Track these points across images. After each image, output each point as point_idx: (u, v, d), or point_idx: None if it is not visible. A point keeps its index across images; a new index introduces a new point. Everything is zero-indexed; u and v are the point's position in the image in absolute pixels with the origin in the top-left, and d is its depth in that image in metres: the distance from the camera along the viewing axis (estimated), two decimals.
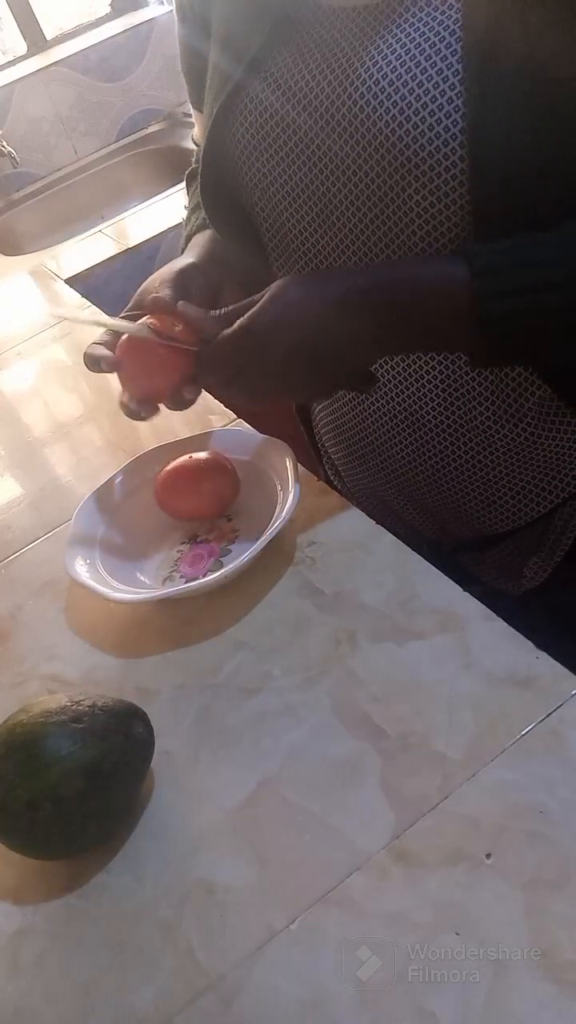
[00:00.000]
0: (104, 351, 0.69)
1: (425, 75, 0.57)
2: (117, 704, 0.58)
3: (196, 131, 0.86)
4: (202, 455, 0.78)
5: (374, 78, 0.59)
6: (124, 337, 0.68)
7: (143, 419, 0.70)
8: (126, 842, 0.58)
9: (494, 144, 0.55)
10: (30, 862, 0.57)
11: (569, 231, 0.56)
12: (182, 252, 0.82)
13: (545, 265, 0.55)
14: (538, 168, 0.55)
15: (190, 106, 0.82)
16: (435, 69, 0.57)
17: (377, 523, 0.78)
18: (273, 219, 0.69)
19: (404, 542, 0.70)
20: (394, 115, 0.58)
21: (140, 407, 0.69)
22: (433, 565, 0.67)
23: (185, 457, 0.77)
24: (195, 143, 0.87)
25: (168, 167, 1.91)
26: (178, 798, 0.59)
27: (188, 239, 0.84)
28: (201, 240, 0.81)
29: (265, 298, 0.61)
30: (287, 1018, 0.47)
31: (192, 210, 0.87)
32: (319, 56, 0.62)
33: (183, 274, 0.73)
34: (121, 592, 0.70)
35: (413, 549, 0.69)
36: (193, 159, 0.90)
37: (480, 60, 0.55)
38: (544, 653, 0.59)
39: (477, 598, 0.64)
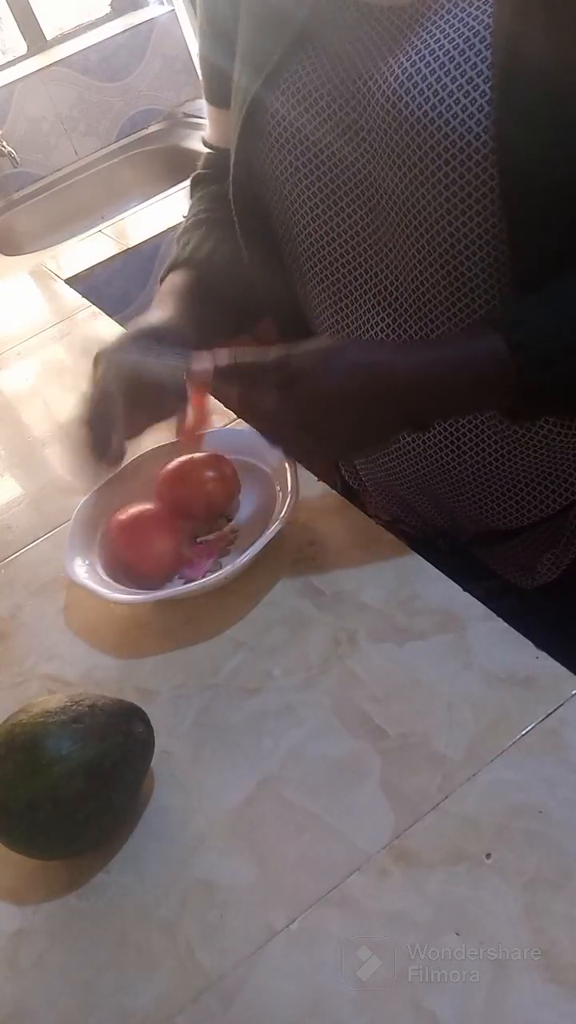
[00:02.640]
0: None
1: (454, 82, 0.56)
2: (117, 704, 0.58)
3: (208, 132, 0.84)
4: (201, 455, 0.78)
5: (394, 85, 0.58)
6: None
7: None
8: (126, 842, 0.58)
9: (521, 151, 0.55)
10: (30, 862, 0.57)
11: None
12: (161, 280, 0.82)
13: None
14: (565, 175, 0.55)
15: (204, 103, 0.81)
16: (461, 73, 0.56)
17: (392, 516, 0.78)
18: (301, 232, 0.69)
19: (419, 534, 0.70)
20: (423, 122, 0.58)
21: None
22: (447, 558, 0.67)
23: (185, 457, 0.77)
24: (205, 144, 0.86)
25: (168, 167, 1.91)
26: (178, 798, 0.59)
27: (172, 267, 0.82)
28: (177, 281, 0.79)
29: (314, 345, 0.60)
30: (287, 1018, 0.47)
31: (185, 229, 0.85)
32: (339, 66, 0.62)
33: (155, 333, 0.72)
34: (120, 593, 0.70)
35: (429, 541, 0.69)
36: (200, 163, 0.88)
37: (507, 66, 0.54)
38: (544, 653, 0.59)
39: (490, 592, 0.64)
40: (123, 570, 0.73)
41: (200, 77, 0.78)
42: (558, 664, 0.58)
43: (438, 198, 0.59)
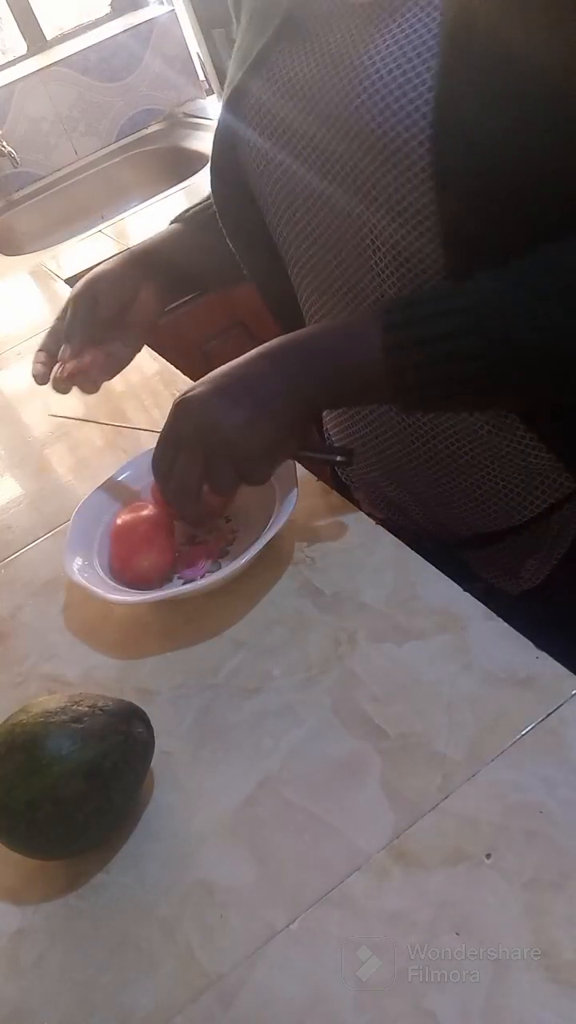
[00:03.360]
0: None
1: (409, 63, 0.57)
2: (117, 704, 0.58)
3: None
4: None
5: (362, 75, 0.59)
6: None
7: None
8: (126, 842, 0.58)
9: (459, 128, 0.55)
10: (30, 862, 0.57)
11: (478, 282, 0.57)
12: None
13: (454, 312, 0.57)
14: (504, 154, 0.54)
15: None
16: (419, 57, 0.56)
17: (381, 516, 0.78)
18: (284, 220, 0.70)
19: (407, 536, 0.70)
20: (371, 104, 0.58)
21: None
22: (435, 560, 0.67)
23: None
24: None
25: (168, 167, 1.91)
26: (178, 798, 0.59)
27: (175, 220, 0.87)
28: (174, 231, 0.86)
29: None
30: (287, 1018, 0.47)
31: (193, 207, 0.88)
32: (318, 55, 0.63)
33: (93, 286, 0.83)
34: (119, 593, 0.70)
35: (416, 543, 0.69)
36: None
37: (453, 45, 0.55)
38: (544, 653, 0.59)
39: (477, 596, 0.64)
40: (120, 575, 0.73)
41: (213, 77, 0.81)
42: (558, 664, 0.58)
43: (386, 176, 0.60)
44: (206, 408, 0.62)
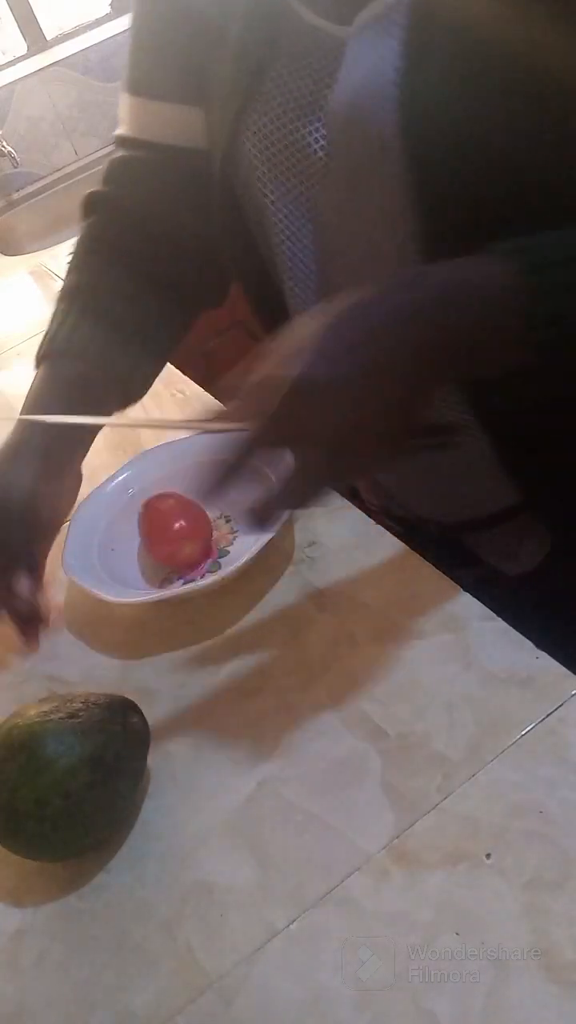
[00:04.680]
0: None
1: (373, 48, 0.56)
2: (109, 698, 0.59)
3: (131, 125, 0.74)
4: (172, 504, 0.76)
5: (345, 84, 0.58)
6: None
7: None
8: (126, 842, 0.58)
9: (425, 119, 0.54)
10: (30, 862, 0.57)
11: None
12: (36, 363, 0.76)
13: None
14: (469, 133, 0.53)
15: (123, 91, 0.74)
16: (378, 70, 0.55)
17: (378, 503, 0.77)
18: (283, 232, 0.69)
19: (404, 523, 0.70)
20: (349, 94, 0.57)
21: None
22: (434, 543, 0.67)
23: (159, 502, 0.76)
24: (124, 141, 0.76)
25: None
26: (178, 798, 0.59)
27: (44, 355, 0.75)
28: (50, 388, 0.74)
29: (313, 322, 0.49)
30: (287, 1018, 0.47)
31: (63, 296, 0.77)
32: (315, 60, 0.62)
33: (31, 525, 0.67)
34: (119, 593, 0.70)
35: (415, 528, 0.69)
36: (102, 175, 0.79)
37: (418, 26, 0.54)
38: (544, 653, 0.59)
39: (477, 579, 0.63)
40: (159, 553, 0.74)
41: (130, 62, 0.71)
42: (558, 664, 0.58)
43: (361, 185, 0.59)
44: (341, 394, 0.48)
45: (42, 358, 0.76)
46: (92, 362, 0.74)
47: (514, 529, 0.77)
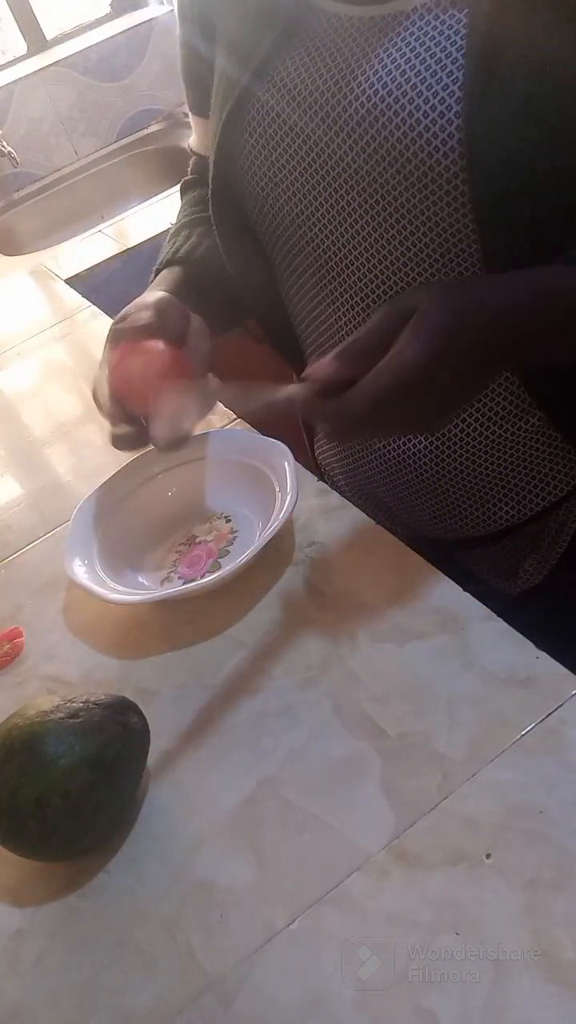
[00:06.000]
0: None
1: (424, 83, 0.57)
2: (109, 698, 0.59)
3: (193, 139, 0.85)
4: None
5: (377, 86, 0.59)
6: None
7: (127, 446, 0.67)
8: (126, 842, 0.58)
9: (492, 148, 0.55)
10: (30, 862, 0.57)
11: None
12: (154, 276, 0.81)
13: None
14: (537, 171, 0.55)
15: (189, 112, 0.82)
16: (435, 77, 0.57)
17: (375, 520, 0.78)
18: (282, 227, 0.69)
19: (403, 539, 0.70)
20: (396, 123, 0.58)
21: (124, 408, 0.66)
22: (431, 561, 0.67)
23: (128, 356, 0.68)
24: (191, 151, 0.87)
25: (168, 167, 1.91)
26: (178, 798, 0.59)
27: (165, 264, 0.81)
28: (170, 276, 0.79)
29: (412, 332, 0.51)
30: (287, 1018, 0.47)
31: (176, 231, 0.85)
32: (326, 62, 0.62)
33: (160, 303, 0.69)
34: (119, 593, 0.70)
35: (410, 546, 0.69)
36: (189, 168, 0.90)
37: (480, 65, 0.55)
38: (544, 653, 0.59)
39: (475, 597, 0.64)
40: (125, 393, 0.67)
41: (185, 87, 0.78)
42: (558, 664, 0.58)
43: (413, 199, 0.60)
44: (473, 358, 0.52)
45: (165, 265, 0.81)
46: (213, 274, 0.79)
47: (513, 547, 0.77)
